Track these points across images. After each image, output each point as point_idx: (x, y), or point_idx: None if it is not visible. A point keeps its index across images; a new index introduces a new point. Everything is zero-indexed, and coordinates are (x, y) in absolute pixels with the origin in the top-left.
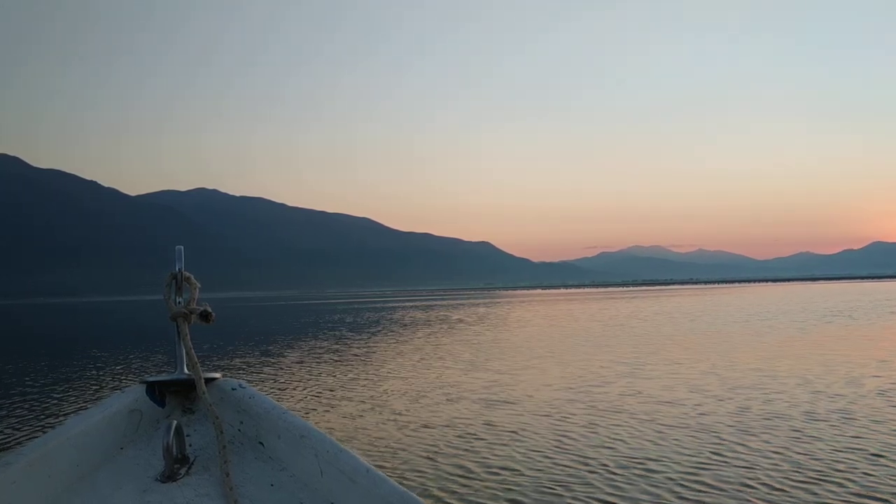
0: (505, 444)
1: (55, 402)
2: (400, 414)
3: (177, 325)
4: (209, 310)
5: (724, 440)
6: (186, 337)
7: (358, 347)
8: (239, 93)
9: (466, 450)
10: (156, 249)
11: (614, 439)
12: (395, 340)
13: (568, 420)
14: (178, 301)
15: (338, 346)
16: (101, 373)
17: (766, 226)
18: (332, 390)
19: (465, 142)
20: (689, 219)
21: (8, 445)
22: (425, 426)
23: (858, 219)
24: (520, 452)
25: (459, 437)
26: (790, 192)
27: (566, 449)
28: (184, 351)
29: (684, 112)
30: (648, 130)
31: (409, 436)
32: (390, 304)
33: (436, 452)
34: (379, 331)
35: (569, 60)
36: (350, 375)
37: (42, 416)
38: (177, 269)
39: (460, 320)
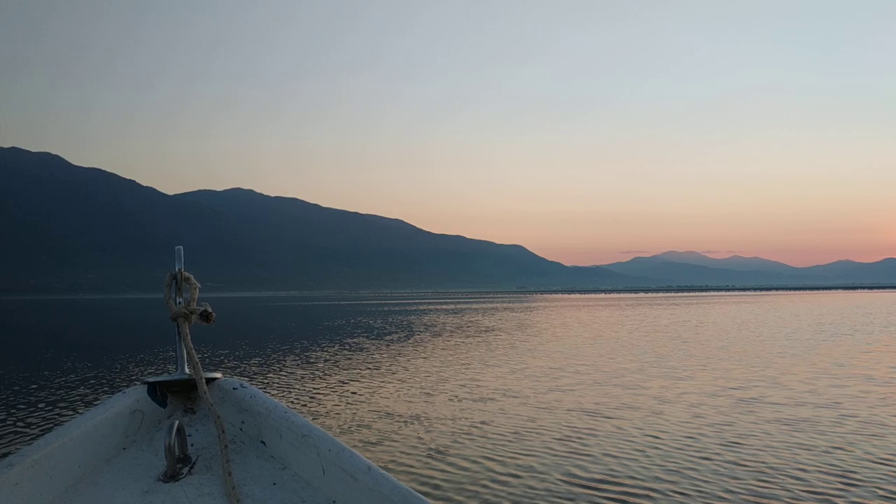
0: None
1: (69, 395)
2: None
3: (177, 326)
4: (209, 310)
5: None
6: (187, 337)
7: (380, 363)
8: (269, 94)
9: None
10: (196, 248)
11: None
12: (423, 353)
13: None
14: (178, 301)
15: (360, 357)
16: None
17: (803, 233)
18: (344, 429)
19: (498, 145)
20: (725, 225)
21: (14, 444)
22: None
23: None
24: None
25: None
26: (828, 199)
27: None
28: (184, 351)
29: (721, 116)
30: (684, 135)
31: None
32: (422, 307)
33: None
34: (408, 337)
35: (602, 64)
36: (365, 408)
37: (48, 412)
38: (176, 269)
39: (497, 328)
